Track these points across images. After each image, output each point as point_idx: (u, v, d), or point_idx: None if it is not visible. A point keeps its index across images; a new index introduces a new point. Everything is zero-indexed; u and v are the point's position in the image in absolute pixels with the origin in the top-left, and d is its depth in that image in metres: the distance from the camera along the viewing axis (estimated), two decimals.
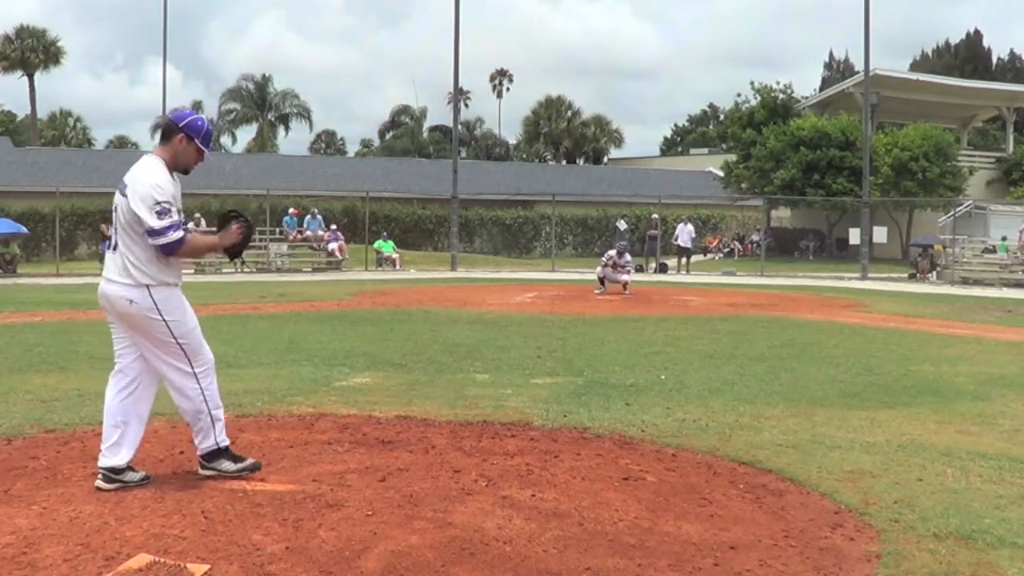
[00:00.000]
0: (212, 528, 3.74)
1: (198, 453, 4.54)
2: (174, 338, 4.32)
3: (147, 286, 4.27)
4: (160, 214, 4.20)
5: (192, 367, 4.38)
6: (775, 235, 37.82)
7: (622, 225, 34.27)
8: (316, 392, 7.11)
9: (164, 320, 4.29)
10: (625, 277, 18.35)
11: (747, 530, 3.90)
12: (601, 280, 18.46)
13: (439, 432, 5.70)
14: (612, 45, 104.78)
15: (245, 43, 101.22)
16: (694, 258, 31.21)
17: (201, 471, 4.53)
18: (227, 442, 4.54)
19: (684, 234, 29.54)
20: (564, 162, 62.42)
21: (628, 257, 18.69)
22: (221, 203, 35.06)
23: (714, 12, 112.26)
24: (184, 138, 4.38)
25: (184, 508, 4.00)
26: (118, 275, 4.29)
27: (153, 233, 4.20)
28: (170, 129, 4.41)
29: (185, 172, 4.47)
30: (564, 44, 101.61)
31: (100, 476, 4.32)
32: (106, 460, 4.31)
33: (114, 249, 4.34)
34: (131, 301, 4.26)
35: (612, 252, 18.59)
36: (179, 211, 4.37)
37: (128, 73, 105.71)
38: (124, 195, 4.31)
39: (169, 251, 4.25)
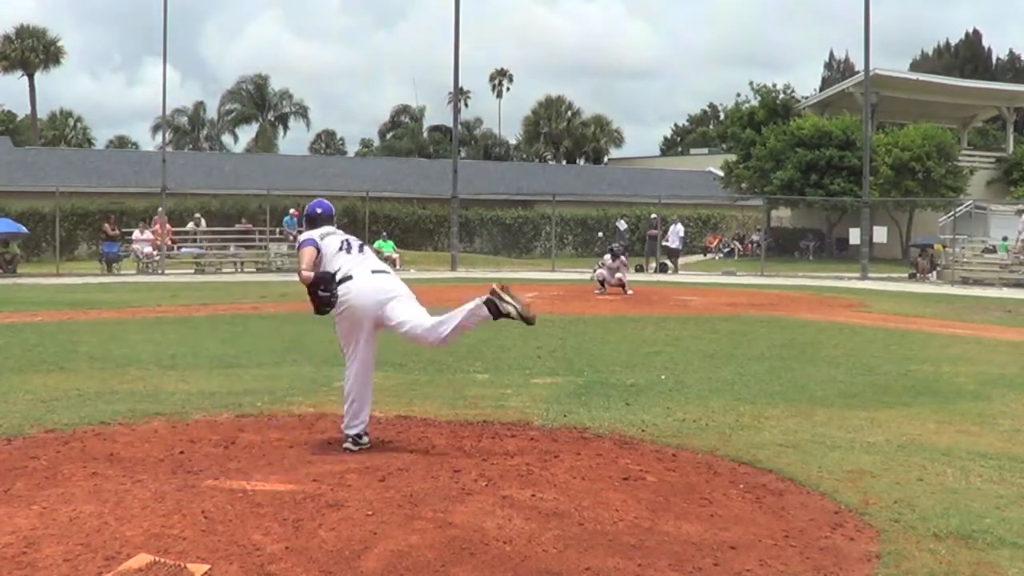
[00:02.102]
0: (212, 528, 3.74)
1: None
2: None
3: None
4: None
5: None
6: (775, 235, 37.81)
7: (622, 225, 34.26)
8: (316, 392, 7.11)
9: None
10: (620, 275, 18.46)
11: (747, 530, 3.90)
12: (601, 282, 18.50)
13: (439, 432, 5.71)
14: (612, 45, 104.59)
15: (244, 43, 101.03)
16: (692, 258, 31.18)
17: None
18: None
19: (673, 235, 29.63)
20: (564, 162, 62.38)
21: (624, 259, 18.79)
22: (221, 203, 35.13)
23: (713, 12, 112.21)
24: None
25: (184, 508, 4.00)
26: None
27: None
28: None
29: None
30: (563, 44, 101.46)
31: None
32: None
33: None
34: None
35: (607, 257, 18.70)
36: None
37: (127, 73, 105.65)
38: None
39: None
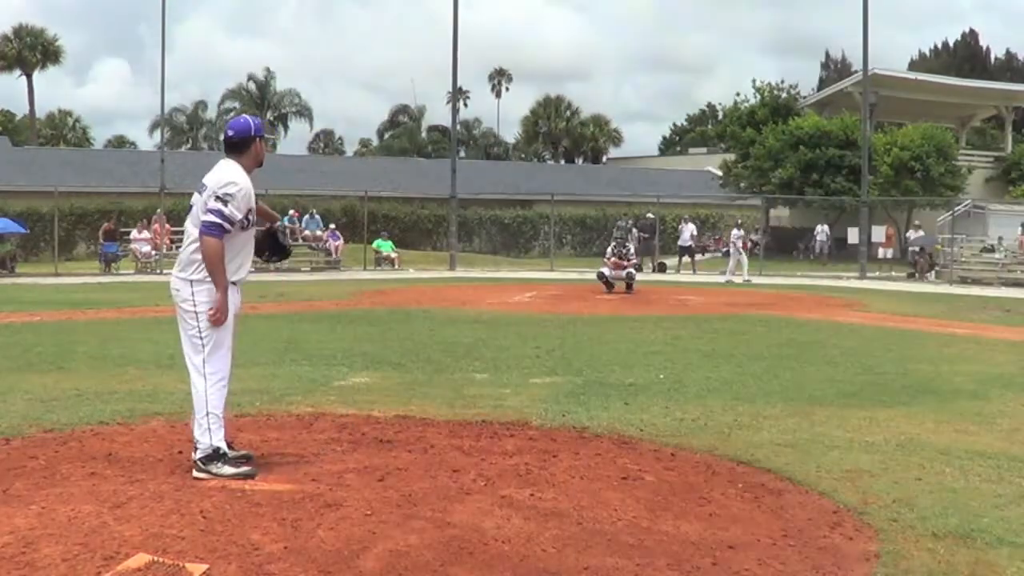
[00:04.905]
0: (211, 528, 3.74)
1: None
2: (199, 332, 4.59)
3: (191, 281, 4.56)
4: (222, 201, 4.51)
5: (204, 366, 4.62)
6: (774, 234, 37.75)
7: (626, 224, 34.21)
8: (314, 392, 7.11)
9: (196, 312, 4.57)
10: (630, 269, 18.25)
11: (746, 529, 3.90)
12: (607, 283, 18.19)
13: (438, 432, 5.70)
14: (611, 44, 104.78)
15: (242, 43, 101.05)
16: (697, 257, 31.16)
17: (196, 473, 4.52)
18: (223, 445, 4.58)
19: (685, 233, 29.70)
20: (563, 162, 62.38)
21: (630, 247, 18.55)
22: None
23: (713, 12, 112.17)
24: (260, 140, 4.76)
25: (183, 508, 4.00)
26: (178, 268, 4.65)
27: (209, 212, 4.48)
28: (246, 139, 4.72)
29: (260, 166, 4.81)
30: (562, 44, 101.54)
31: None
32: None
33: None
34: (177, 291, 4.62)
35: (609, 250, 18.49)
36: (251, 211, 4.66)
37: (125, 73, 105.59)
38: (201, 193, 4.61)
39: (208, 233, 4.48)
